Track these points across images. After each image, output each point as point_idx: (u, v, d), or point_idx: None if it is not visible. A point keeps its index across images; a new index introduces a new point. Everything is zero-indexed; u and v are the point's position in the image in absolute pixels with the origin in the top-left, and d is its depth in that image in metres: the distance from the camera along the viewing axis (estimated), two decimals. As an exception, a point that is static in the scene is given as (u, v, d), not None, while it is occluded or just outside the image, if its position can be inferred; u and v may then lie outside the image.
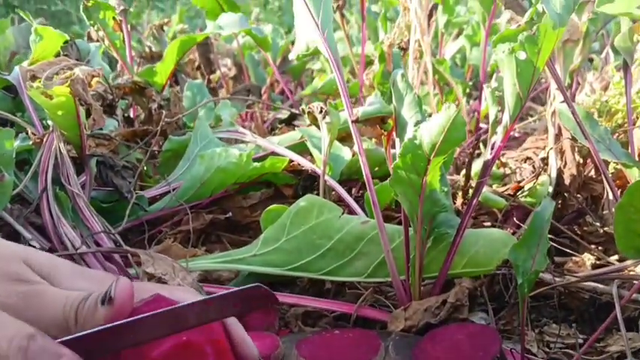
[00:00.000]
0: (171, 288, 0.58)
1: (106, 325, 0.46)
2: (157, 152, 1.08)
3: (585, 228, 0.99)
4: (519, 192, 1.00)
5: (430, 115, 0.69)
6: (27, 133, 0.86)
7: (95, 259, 0.74)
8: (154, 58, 1.67)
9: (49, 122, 0.86)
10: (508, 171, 1.10)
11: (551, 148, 0.93)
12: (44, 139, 0.79)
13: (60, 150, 0.77)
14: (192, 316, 0.48)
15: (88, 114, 0.78)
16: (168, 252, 0.80)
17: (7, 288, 0.47)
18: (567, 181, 0.98)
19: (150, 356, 0.46)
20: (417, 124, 0.75)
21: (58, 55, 1.07)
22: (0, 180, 0.66)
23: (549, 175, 0.97)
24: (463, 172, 1.08)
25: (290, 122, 1.55)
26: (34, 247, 0.72)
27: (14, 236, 0.75)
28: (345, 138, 1.12)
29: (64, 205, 0.76)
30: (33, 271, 0.50)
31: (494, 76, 1.52)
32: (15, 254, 0.50)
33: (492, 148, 0.77)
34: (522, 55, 0.69)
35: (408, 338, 0.70)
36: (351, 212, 0.94)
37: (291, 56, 0.85)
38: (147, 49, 1.81)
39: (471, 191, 1.03)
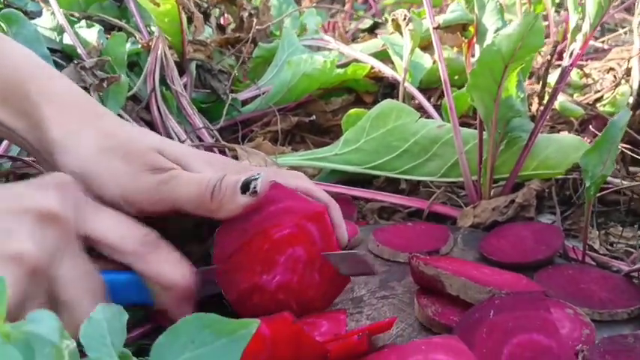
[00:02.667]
0: (283, 173, 0.61)
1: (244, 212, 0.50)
2: (247, 58, 1.15)
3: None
4: (598, 102, 1.00)
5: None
6: (135, 38, 0.95)
7: (197, 152, 0.84)
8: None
9: (154, 28, 0.95)
10: (590, 82, 1.10)
11: (630, 58, 0.92)
12: (151, 44, 0.88)
13: (165, 54, 0.86)
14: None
15: (189, 21, 0.85)
16: (259, 148, 0.88)
17: (145, 179, 0.51)
18: (649, 92, 0.97)
19: (272, 238, 0.52)
20: (497, 31, 0.78)
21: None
22: (117, 80, 0.76)
23: (630, 86, 0.96)
24: (543, 81, 1.09)
25: (372, 31, 1.57)
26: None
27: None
28: (426, 47, 1.14)
29: (170, 103, 0.85)
30: (168, 160, 0.53)
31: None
32: (151, 145, 0.53)
33: (571, 57, 0.79)
34: (607, -39, 0.69)
35: (475, 233, 0.76)
36: (429, 118, 0.99)
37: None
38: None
39: (547, 98, 1.04)
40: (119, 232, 0.48)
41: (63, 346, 0.30)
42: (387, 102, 0.87)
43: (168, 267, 0.49)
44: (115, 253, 0.48)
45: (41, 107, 0.52)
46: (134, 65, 0.93)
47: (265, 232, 0.52)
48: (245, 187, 0.50)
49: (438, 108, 1.06)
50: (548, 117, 0.99)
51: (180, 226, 0.55)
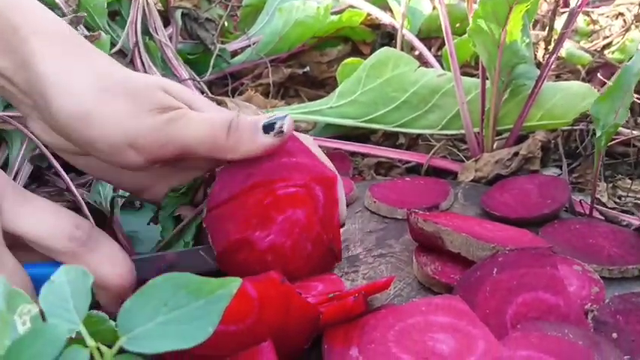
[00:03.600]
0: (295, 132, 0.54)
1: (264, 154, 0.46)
2: (236, 7, 1.09)
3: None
4: (607, 48, 0.95)
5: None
6: (115, -16, 0.89)
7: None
8: None
9: (135, -26, 0.89)
10: (597, 28, 1.05)
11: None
12: (132, -10, 0.83)
13: (147, 2, 0.81)
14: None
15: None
16: (250, 102, 0.84)
17: (152, 119, 0.46)
18: (661, 38, 0.92)
19: (276, 193, 0.48)
20: (502, -29, 0.72)
21: None
22: (97, 38, 0.71)
23: (642, 31, 0.91)
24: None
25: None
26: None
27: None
28: (425, -8, 1.08)
29: (154, 54, 0.80)
30: (175, 99, 0.48)
31: None
32: (155, 83, 0.48)
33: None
34: None
35: (477, 187, 0.72)
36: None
37: None
38: None
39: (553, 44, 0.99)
40: (46, 228, 0.43)
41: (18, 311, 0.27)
42: (384, 50, 0.83)
43: (103, 266, 0.44)
44: (43, 250, 0.43)
45: (30, 41, 0.46)
46: (115, 14, 0.87)
47: (270, 184, 0.47)
48: (269, 127, 0.46)
49: (438, 59, 1.01)
50: (553, 66, 0.95)
51: (173, 190, 0.52)
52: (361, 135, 0.89)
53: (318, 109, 0.85)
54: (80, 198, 0.62)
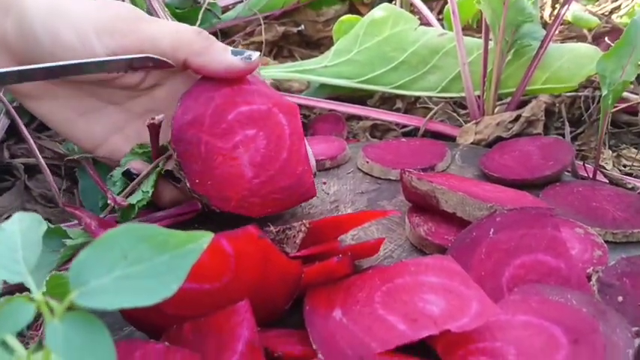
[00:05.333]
0: None
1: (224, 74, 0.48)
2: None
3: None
4: (615, 12, 0.91)
5: None
6: None
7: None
8: None
9: None
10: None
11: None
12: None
13: (132, -50, 0.76)
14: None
15: None
16: (241, 59, 0.80)
17: (124, 9, 0.48)
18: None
19: (239, 110, 0.49)
20: None
21: None
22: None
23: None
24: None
25: None
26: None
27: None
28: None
29: (140, 6, 0.76)
30: None
31: None
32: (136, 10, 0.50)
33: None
34: None
35: (476, 149, 0.69)
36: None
37: None
38: None
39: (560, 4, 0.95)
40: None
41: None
42: (383, 6, 0.79)
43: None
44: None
45: None
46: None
47: (233, 104, 0.48)
48: (238, 52, 0.47)
49: (440, 23, 0.97)
50: (557, 31, 0.91)
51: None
52: (357, 99, 0.85)
53: (313, 69, 0.81)
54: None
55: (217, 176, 0.47)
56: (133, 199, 0.52)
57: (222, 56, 0.47)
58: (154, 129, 0.49)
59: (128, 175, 0.52)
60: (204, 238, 0.28)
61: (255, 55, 0.47)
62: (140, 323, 0.40)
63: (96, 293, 0.26)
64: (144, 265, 0.27)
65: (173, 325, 0.38)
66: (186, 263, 0.27)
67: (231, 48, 0.48)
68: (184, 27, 0.48)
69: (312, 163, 0.53)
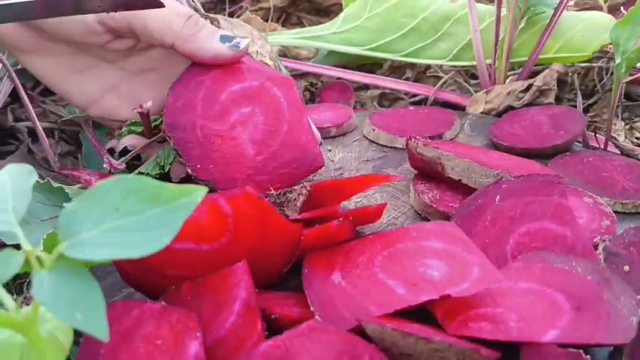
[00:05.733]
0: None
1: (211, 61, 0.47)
2: None
3: None
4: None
5: None
6: None
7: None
8: None
9: None
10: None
11: None
12: None
13: None
14: None
15: None
16: (248, 24, 0.78)
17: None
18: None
19: (231, 89, 0.48)
20: None
21: None
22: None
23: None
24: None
25: None
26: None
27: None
28: None
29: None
30: None
31: None
32: None
33: None
34: None
35: (485, 119, 0.68)
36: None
37: None
38: None
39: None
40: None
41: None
42: (393, -29, 0.77)
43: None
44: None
45: None
46: None
47: (224, 84, 0.47)
48: (226, 38, 0.47)
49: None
50: (572, 3, 0.88)
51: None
52: (367, 69, 0.84)
53: (321, 35, 0.80)
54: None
55: (218, 159, 0.47)
56: (148, 169, 0.51)
57: (210, 44, 0.46)
58: (144, 117, 0.49)
59: (125, 153, 0.52)
60: (197, 192, 0.27)
61: (244, 42, 0.47)
62: (139, 284, 0.40)
63: (85, 245, 0.25)
64: (135, 217, 0.26)
65: (172, 286, 0.38)
66: (179, 217, 0.26)
67: (220, 32, 0.47)
68: (175, 10, 0.46)
69: (316, 132, 0.52)
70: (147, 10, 0.45)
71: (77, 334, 0.32)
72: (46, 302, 0.23)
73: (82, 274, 0.24)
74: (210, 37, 0.46)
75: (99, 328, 0.23)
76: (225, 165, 0.46)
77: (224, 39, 0.46)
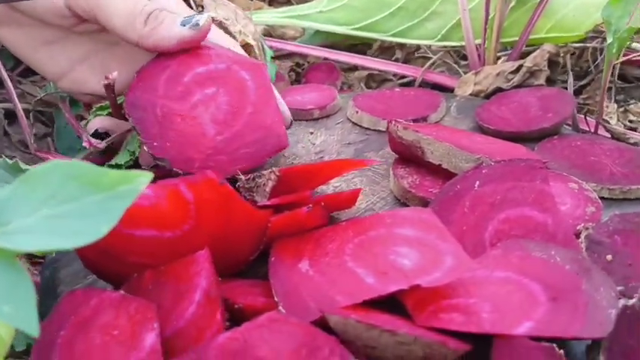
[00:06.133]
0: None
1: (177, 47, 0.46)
2: None
3: None
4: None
5: None
6: None
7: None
8: None
9: None
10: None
11: None
12: None
13: None
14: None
15: None
16: (232, 2, 0.76)
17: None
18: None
19: (195, 71, 0.47)
20: None
21: None
22: None
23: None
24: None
25: None
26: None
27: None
28: None
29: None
30: None
31: None
32: None
33: None
34: None
35: (473, 101, 0.66)
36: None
37: None
38: None
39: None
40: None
41: None
42: (380, -53, 0.74)
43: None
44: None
45: None
46: None
47: (188, 67, 0.46)
48: (186, 21, 0.45)
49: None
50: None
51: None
52: (356, 50, 0.82)
53: (307, 14, 0.77)
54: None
55: (176, 137, 0.45)
56: (121, 159, 0.51)
57: (172, 32, 0.45)
58: (109, 89, 0.47)
59: (97, 136, 0.50)
60: (140, 179, 0.25)
61: (203, 18, 0.45)
62: (101, 272, 0.39)
63: (19, 233, 0.24)
64: (73, 204, 0.24)
65: (134, 274, 0.37)
66: (120, 205, 0.25)
67: (180, 18, 0.45)
68: (138, 7, 0.45)
69: (286, 113, 0.51)
70: (111, 6, 0.45)
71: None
72: (-31, 295, 0.21)
73: (12, 265, 0.23)
74: (171, 25, 0.45)
75: (28, 322, 0.21)
76: (183, 144, 0.45)
77: (184, 22, 0.45)
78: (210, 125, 0.45)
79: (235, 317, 0.34)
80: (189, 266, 0.34)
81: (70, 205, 0.25)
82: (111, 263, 0.37)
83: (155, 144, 0.44)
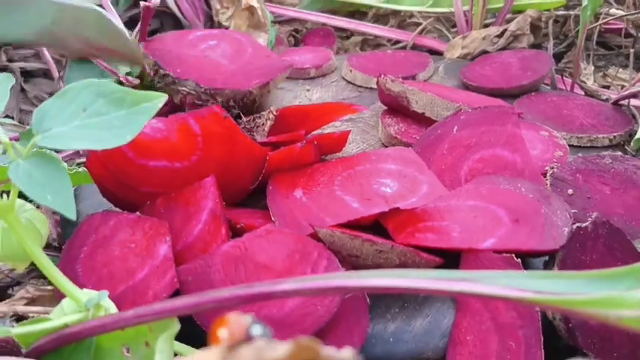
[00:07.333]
0: None
1: None
2: None
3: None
4: None
5: None
6: None
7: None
8: None
9: None
10: None
11: None
12: None
13: None
14: None
15: None
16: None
17: None
18: None
19: (188, 39, 0.54)
20: None
21: None
22: None
23: None
24: None
25: None
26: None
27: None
28: None
29: None
30: None
31: None
32: None
33: None
34: None
35: (459, 62, 0.70)
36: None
37: None
38: None
39: None
40: None
41: None
42: None
43: None
44: None
45: None
46: None
47: (187, 31, 0.56)
48: None
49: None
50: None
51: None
52: (350, 16, 0.86)
53: (305, -19, 0.81)
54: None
55: (196, 66, 0.50)
56: None
57: None
58: (149, 12, 0.51)
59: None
60: (159, 98, 0.30)
61: None
62: (117, 200, 0.43)
63: (57, 137, 0.28)
64: (101, 118, 0.29)
65: (147, 202, 0.41)
66: (141, 119, 0.29)
67: None
68: None
69: None
70: None
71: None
72: (21, 184, 0.26)
73: (53, 163, 0.27)
74: None
75: (66, 207, 0.26)
76: (203, 71, 0.51)
77: None
78: (222, 59, 0.51)
79: (238, 236, 0.39)
80: (197, 191, 0.39)
81: (98, 118, 0.29)
82: (126, 192, 0.42)
83: (178, 70, 0.49)
